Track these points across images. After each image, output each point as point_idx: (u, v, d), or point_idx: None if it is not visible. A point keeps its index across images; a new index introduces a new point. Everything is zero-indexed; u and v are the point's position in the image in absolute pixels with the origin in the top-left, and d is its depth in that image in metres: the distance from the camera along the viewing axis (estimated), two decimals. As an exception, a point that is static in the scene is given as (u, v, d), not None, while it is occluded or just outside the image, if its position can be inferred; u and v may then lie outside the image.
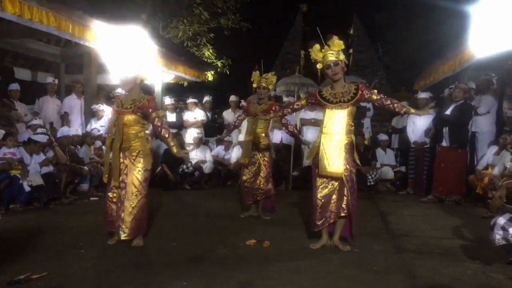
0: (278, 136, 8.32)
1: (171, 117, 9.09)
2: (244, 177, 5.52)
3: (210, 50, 13.65)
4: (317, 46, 3.98)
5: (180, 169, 8.15)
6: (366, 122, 9.36)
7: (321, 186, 4.01)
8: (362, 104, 9.13)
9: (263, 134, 5.45)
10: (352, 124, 4.03)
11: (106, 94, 9.58)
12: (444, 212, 6.03)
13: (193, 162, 8.37)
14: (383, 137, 8.98)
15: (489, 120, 7.17)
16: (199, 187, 8.32)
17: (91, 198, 6.83)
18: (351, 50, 13.90)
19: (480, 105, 7.12)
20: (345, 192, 3.96)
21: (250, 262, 3.65)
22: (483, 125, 7.17)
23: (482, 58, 7.02)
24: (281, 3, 17.15)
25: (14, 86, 7.62)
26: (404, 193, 7.80)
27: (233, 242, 4.29)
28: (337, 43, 3.92)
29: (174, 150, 4.20)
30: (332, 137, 3.93)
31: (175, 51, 11.06)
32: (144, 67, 4.25)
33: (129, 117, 4.07)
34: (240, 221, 5.37)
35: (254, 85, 5.52)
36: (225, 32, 13.67)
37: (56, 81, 8.65)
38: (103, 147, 7.42)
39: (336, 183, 3.98)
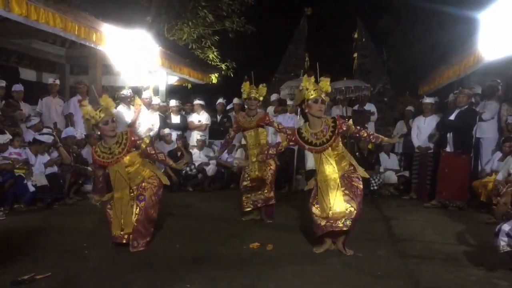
0: (281, 139, 8.31)
1: (176, 119, 9.11)
2: (245, 183, 5.46)
3: (215, 53, 13.68)
4: (313, 78, 3.99)
5: (184, 171, 8.16)
6: (370, 126, 9.34)
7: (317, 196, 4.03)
8: (366, 108, 9.22)
9: (266, 144, 5.43)
10: (342, 150, 4.06)
11: (110, 95, 9.58)
12: (447, 218, 6.01)
13: (197, 164, 8.38)
14: (386, 141, 8.96)
15: (494, 126, 7.15)
16: (202, 189, 8.33)
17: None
18: (355, 55, 13.90)
19: (485, 111, 7.10)
20: (355, 207, 3.91)
21: (253, 265, 3.65)
22: (487, 130, 7.15)
23: (488, 63, 7.00)
24: (285, 6, 17.17)
25: (18, 87, 7.65)
26: (407, 198, 7.78)
27: (236, 245, 4.30)
28: (326, 85, 3.97)
29: (175, 166, 4.45)
30: (327, 178, 3.95)
31: (179, 53, 11.09)
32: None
33: (128, 158, 4.06)
34: (243, 224, 5.37)
35: (244, 96, 5.39)
36: (230, 35, 13.70)
37: (58, 81, 8.67)
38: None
39: None
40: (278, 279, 3.32)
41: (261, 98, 5.42)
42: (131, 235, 4.01)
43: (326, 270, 3.57)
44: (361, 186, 4.03)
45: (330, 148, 3.95)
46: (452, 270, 3.64)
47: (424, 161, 7.64)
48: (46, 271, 3.28)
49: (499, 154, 6.58)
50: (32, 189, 5.84)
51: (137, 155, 4.14)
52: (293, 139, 4.14)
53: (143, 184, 4.14)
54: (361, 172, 4.09)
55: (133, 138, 4.07)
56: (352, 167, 4.08)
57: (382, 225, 5.52)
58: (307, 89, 3.96)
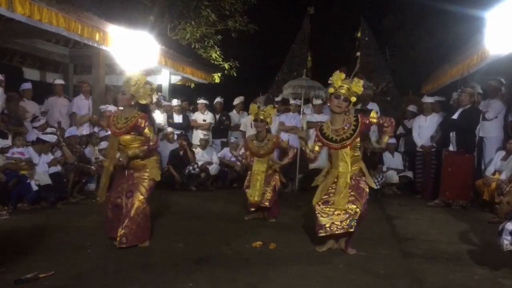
0: (284, 138, 8.28)
1: (178, 118, 9.13)
2: (248, 184, 5.48)
3: (218, 52, 13.68)
4: (343, 75, 3.98)
5: (186, 171, 8.17)
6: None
7: (323, 193, 4.03)
8: (369, 107, 9.19)
9: (272, 167, 5.49)
10: (358, 153, 4.04)
11: (114, 95, 9.62)
12: (451, 217, 6.00)
13: (200, 163, 8.38)
14: (390, 140, 8.94)
15: (497, 125, 7.12)
16: (205, 188, 8.33)
17: (98, 198, 6.85)
18: (358, 53, 13.86)
19: (488, 110, 7.07)
20: (360, 208, 3.92)
21: (256, 265, 3.65)
22: (491, 130, 7.12)
23: (491, 62, 6.96)
24: (288, 5, 17.16)
25: (27, 86, 7.68)
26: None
27: (239, 244, 4.30)
28: (358, 86, 3.93)
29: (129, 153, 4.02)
30: (339, 175, 3.96)
31: (182, 52, 11.10)
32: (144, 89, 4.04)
33: (125, 137, 4.03)
34: (245, 223, 5.38)
35: (252, 118, 5.47)
36: (233, 34, 13.69)
37: (60, 81, 8.69)
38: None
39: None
40: (280, 279, 3.32)
41: (268, 120, 5.36)
42: (120, 231, 3.96)
43: (328, 270, 3.56)
44: (367, 190, 4.03)
45: (348, 148, 3.94)
46: (455, 269, 3.64)
47: (427, 160, 7.63)
48: (49, 270, 3.28)
49: (502, 153, 6.56)
50: (35, 188, 5.85)
51: (139, 141, 4.02)
52: (316, 135, 4.15)
53: (134, 180, 4.09)
54: (369, 181, 4.09)
55: (139, 120, 3.96)
56: (361, 173, 4.07)
57: (385, 224, 5.51)
58: (331, 83, 3.98)
